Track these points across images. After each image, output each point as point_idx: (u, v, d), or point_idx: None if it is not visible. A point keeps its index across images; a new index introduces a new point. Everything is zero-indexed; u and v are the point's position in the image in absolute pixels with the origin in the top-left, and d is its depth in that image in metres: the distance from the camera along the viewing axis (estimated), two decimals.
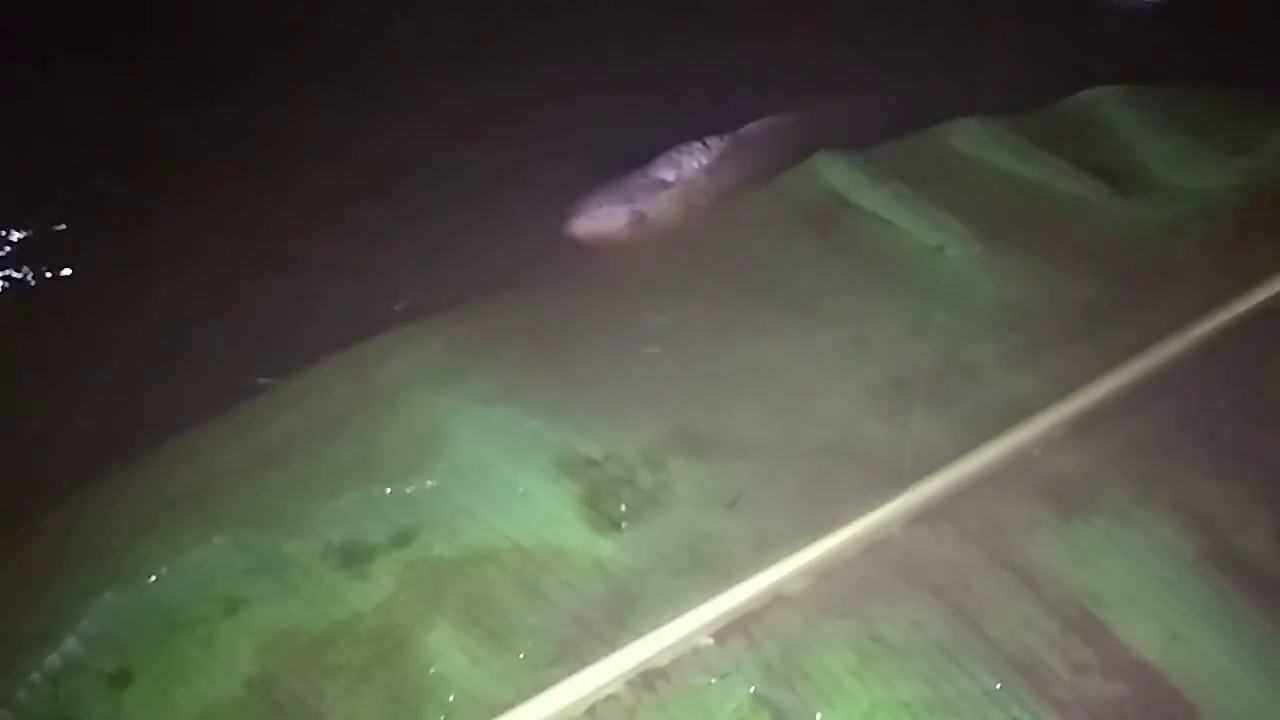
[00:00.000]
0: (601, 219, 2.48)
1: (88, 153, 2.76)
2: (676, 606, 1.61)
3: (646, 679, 1.54)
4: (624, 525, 1.73)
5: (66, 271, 2.47)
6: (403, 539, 1.70)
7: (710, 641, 1.59)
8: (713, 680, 1.54)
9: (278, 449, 1.83)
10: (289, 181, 2.68)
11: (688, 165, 2.66)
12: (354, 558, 1.67)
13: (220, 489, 1.76)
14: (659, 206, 2.56)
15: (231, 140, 2.81)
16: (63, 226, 2.58)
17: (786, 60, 3.10)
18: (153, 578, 1.61)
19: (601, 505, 1.76)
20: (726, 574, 1.65)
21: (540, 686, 1.52)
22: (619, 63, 3.04)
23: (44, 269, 2.47)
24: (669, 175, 2.62)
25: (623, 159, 2.70)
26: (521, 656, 1.56)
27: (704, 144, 2.73)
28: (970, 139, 2.62)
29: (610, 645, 1.57)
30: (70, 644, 1.55)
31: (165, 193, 2.63)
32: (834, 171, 2.53)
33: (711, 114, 2.88)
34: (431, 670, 1.54)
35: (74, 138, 2.77)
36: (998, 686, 1.51)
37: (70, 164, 2.72)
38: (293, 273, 2.44)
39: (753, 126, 2.85)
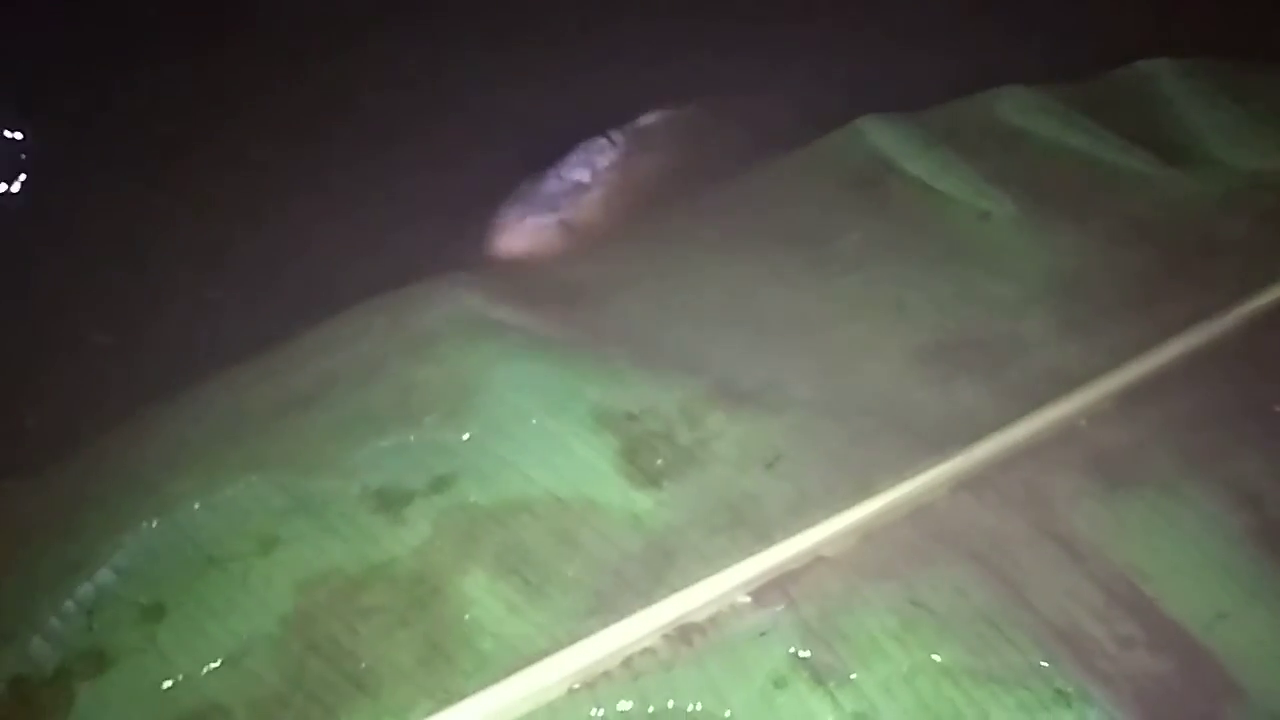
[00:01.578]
0: (529, 232, 2.32)
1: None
2: (714, 564, 1.59)
3: (683, 633, 1.52)
4: (662, 481, 1.70)
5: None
6: (439, 485, 1.68)
7: (748, 599, 1.57)
8: (750, 637, 1.52)
9: (314, 391, 1.81)
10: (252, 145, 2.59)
11: (600, 164, 2.50)
12: (390, 502, 1.65)
13: (256, 428, 1.75)
14: (583, 212, 2.41)
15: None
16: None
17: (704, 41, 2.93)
18: (187, 512, 1.60)
19: (639, 460, 1.73)
20: (765, 533, 1.63)
21: (576, 636, 1.50)
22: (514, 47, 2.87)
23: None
24: (584, 176, 2.46)
25: (522, 156, 2.55)
26: (557, 606, 1.54)
27: (610, 139, 2.58)
28: (1018, 107, 2.57)
29: (647, 599, 1.55)
30: (104, 574, 1.53)
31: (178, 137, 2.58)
32: (877, 135, 2.49)
33: (616, 102, 2.72)
34: (467, 616, 1.52)
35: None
36: (1040, 657, 1.48)
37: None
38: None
39: (650, 118, 2.70)
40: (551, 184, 2.43)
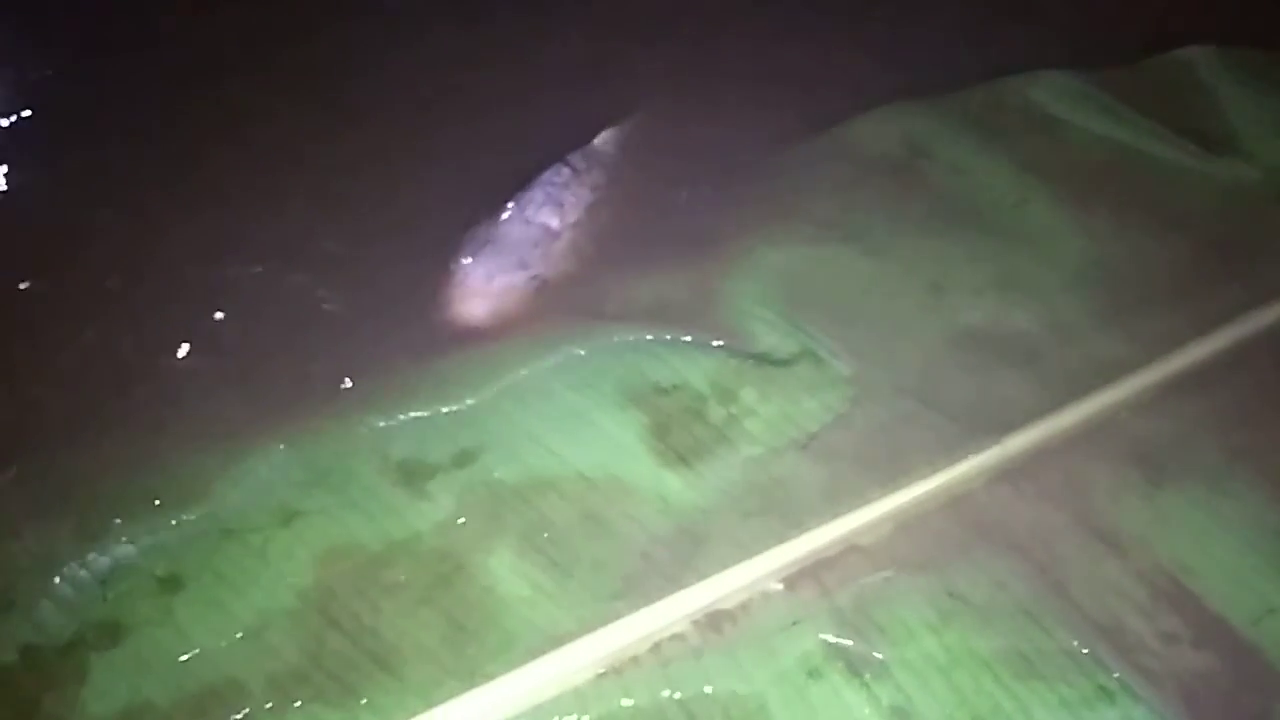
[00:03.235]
0: (498, 293, 1.97)
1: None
2: (745, 549, 1.54)
3: (713, 620, 1.48)
4: (692, 460, 1.66)
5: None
6: (463, 460, 1.63)
7: (780, 587, 1.53)
8: (782, 626, 1.47)
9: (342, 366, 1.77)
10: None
11: (569, 202, 2.16)
12: (414, 476, 1.61)
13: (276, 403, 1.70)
14: (554, 263, 2.06)
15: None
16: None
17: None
18: (208, 484, 1.55)
19: (669, 437, 1.69)
20: (797, 520, 1.59)
21: (604, 619, 1.46)
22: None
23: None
24: (553, 220, 2.11)
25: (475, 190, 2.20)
26: (584, 588, 1.50)
27: (571, 167, 2.24)
28: (1054, 92, 2.51)
29: (676, 583, 1.51)
30: (121, 546, 1.49)
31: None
32: (907, 119, 2.43)
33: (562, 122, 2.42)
34: (492, 596, 1.48)
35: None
36: (1083, 652, 1.44)
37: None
38: None
39: (606, 136, 2.38)
40: (516, 228, 2.08)
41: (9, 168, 2.33)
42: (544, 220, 2.11)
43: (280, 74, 2.52)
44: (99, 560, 1.48)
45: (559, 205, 2.15)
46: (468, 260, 2.02)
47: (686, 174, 2.32)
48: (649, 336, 1.83)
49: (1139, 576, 1.54)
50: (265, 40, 2.63)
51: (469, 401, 1.71)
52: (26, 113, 2.46)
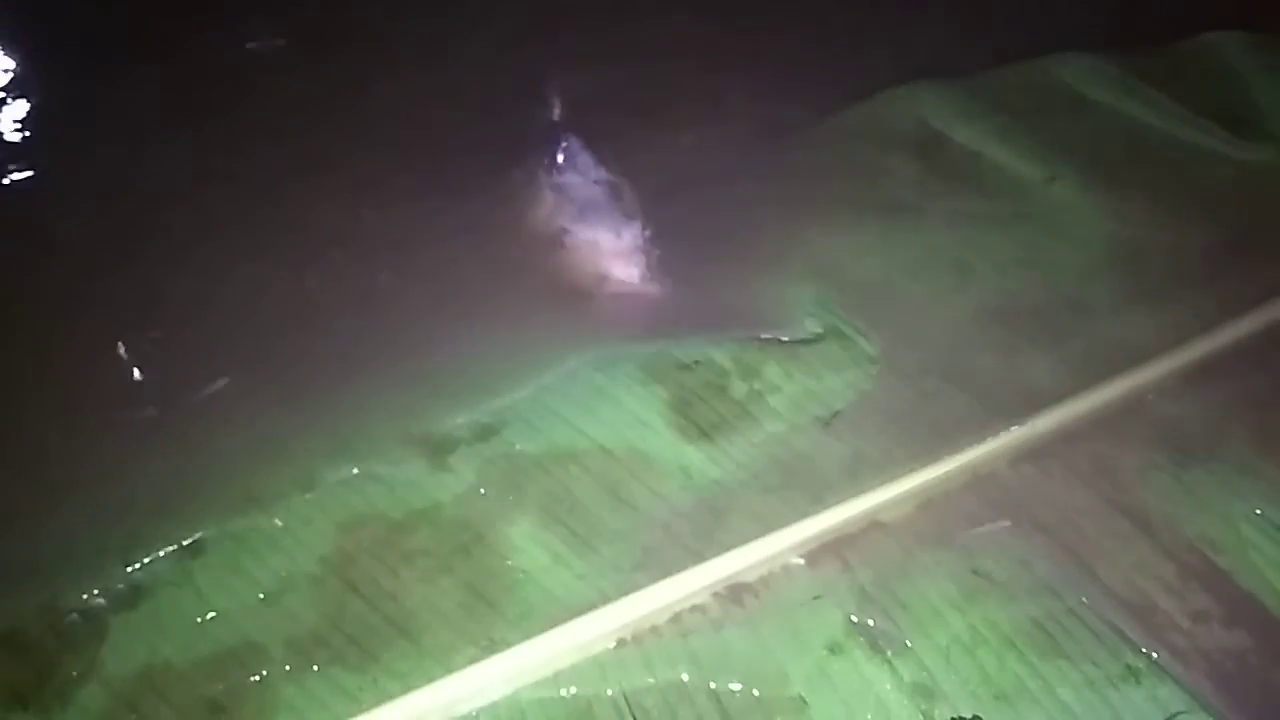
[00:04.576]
0: (633, 247, 1.98)
1: None
2: (766, 524, 1.53)
3: (734, 593, 1.47)
4: (713, 435, 1.65)
5: None
6: (484, 433, 1.63)
7: (802, 562, 1.51)
8: (804, 601, 1.46)
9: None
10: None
11: (598, 158, 2.17)
12: (435, 448, 1.60)
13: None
14: (641, 204, 2.08)
15: None
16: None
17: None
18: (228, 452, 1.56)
19: (690, 412, 1.68)
20: (819, 495, 1.57)
21: (623, 590, 1.45)
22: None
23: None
24: (605, 174, 2.13)
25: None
26: (603, 559, 1.49)
27: (575, 138, 2.26)
28: (1081, 75, 2.49)
29: (696, 556, 1.49)
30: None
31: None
32: (930, 99, 2.42)
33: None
34: (511, 565, 1.47)
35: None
36: (1109, 631, 1.42)
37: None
38: None
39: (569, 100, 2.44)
40: (587, 190, 2.09)
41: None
42: (600, 177, 2.12)
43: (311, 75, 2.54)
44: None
45: (596, 164, 2.16)
46: (580, 228, 2.01)
47: (693, 153, 2.33)
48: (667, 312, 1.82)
49: (1167, 555, 1.52)
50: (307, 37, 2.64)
51: (513, 394, 1.70)
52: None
